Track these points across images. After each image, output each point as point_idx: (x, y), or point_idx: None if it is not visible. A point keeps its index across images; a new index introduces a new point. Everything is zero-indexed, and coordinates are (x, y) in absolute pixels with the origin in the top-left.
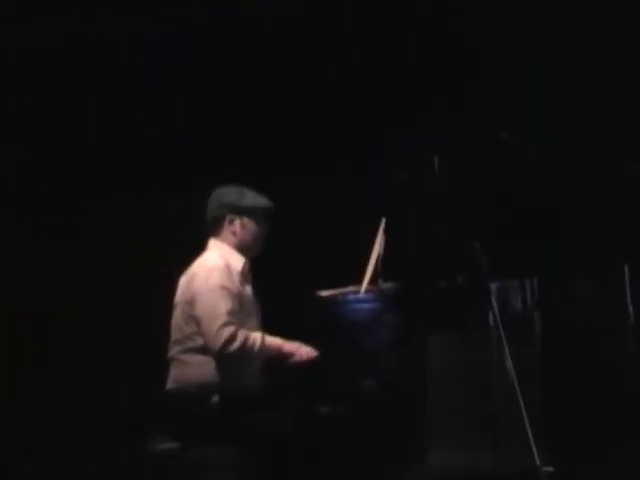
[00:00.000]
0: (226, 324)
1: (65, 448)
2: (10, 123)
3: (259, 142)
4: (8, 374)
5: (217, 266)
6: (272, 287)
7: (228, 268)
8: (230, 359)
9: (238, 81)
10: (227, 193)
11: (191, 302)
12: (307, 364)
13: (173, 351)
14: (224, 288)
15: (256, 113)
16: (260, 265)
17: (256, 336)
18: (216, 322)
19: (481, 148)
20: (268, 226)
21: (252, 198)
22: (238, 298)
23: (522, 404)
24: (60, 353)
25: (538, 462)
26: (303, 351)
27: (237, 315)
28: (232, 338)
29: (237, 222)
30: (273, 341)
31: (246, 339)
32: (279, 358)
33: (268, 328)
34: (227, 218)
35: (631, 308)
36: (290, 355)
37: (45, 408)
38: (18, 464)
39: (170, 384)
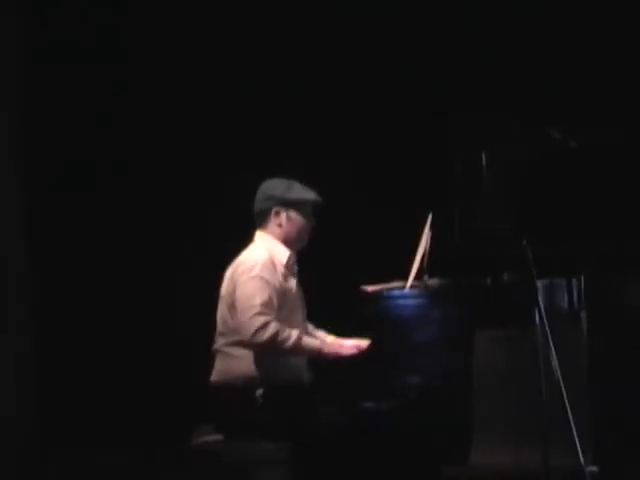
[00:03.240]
0: (259, 314)
1: (109, 442)
2: None
3: (305, 132)
4: (51, 369)
5: (260, 258)
6: (317, 281)
7: (272, 261)
8: (273, 352)
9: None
10: (275, 185)
11: (233, 293)
12: (354, 358)
13: (218, 343)
14: (263, 280)
15: (306, 101)
16: (305, 259)
17: (291, 332)
18: (250, 311)
19: (530, 144)
20: (314, 220)
21: (299, 191)
22: (281, 292)
23: (568, 404)
24: (104, 346)
25: (583, 462)
26: (349, 347)
27: (279, 307)
28: (263, 327)
29: (283, 215)
30: (312, 342)
31: (279, 332)
32: (321, 358)
33: (314, 322)
34: (273, 210)
35: None
36: (331, 356)
37: (88, 401)
38: (66, 461)
39: (215, 376)
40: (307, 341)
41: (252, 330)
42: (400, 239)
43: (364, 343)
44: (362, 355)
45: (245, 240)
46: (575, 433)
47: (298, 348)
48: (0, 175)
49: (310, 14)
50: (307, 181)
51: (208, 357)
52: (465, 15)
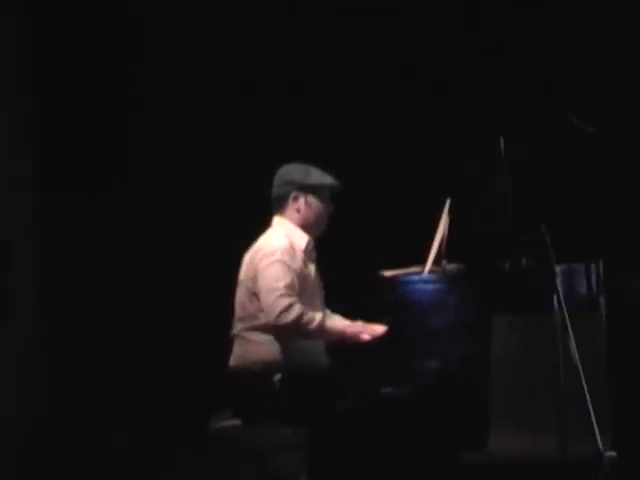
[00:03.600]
0: (283, 295)
1: (128, 428)
2: None
3: (322, 121)
4: (69, 356)
5: (280, 244)
6: (335, 266)
7: (291, 247)
8: (292, 336)
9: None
10: (292, 170)
11: (254, 278)
12: (371, 343)
13: (237, 328)
14: (285, 264)
15: (306, 101)
16: (323, 244)
17: (315, 314)
18: (274, 293)
19: (549, 130)
20: (333, 205)
21: (318, 176)
22: (300, 277)
23: (586, 389)
24: (122, 331)
25: (601, 447)
26: (368, 332)
27: (299, 293)
28: (288, 308)
29: (301, 200)
30: (335, 325)
31: (303, 313)
32: (342, 341)
33: (331, 308)
34: (291, 195)
35: None
36: (354, 338)
37: (107, 386)
38: (84, 447)
39: (233, 361)
40: (330, 324)
41: (277, 312)
42: (418, 224)
43: (382, 329)
44: (380, 340)
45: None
46: (593, 419)
47: (322, 330)
48: (0, 176)
49: (310, 14)
50: (324, 165)
51: (227, 342)
52: (465, 15)
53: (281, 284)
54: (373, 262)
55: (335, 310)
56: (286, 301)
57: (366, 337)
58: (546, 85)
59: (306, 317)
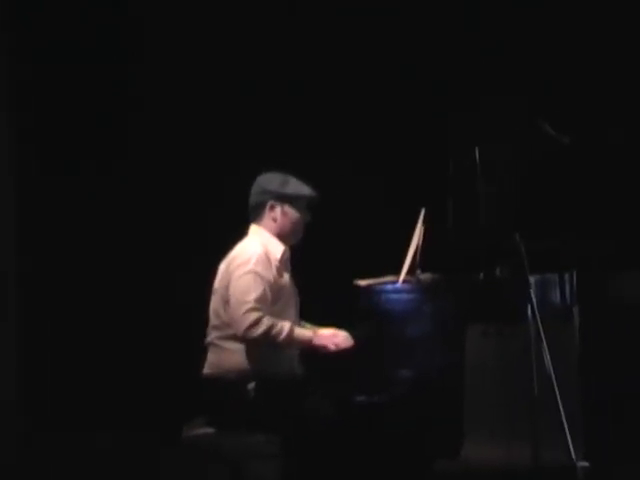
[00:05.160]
0: (252, 309)
1: (101, 432)
2: None
3: (299, 130)
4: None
5: (255, 252)
6: (310, 275)
7: (266, 256)
8: (266, 346)
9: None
10: (270, 179)
11: (227, 287)
12: (343, 353)
13: (211, 336)
14: (257, 275)
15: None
16: (299, 253)
17: (284, 325)
18: (243, 307)
19: (522, 139)
20: (309, 215)
21: (295, 186)
22: (274, 287)
23: (559, 399)
24: (95, 336)
25: (574, 457)
26: (336, 342)
27: (272, 302)
28: (256, 323)
29: (278, 209)
30: (304, 333)
31: (272, 326)
32: (312, 350)
33: (305, 317)
34: (268, 204)
35: None
36: (322, 348)
37: (78, 391)
38: (65, 448)
39: (207, 369)
40: (299, 333)
41: (245, 326)
42: (393, 234)
43: (348, 340)
44: (354, 349)
45: (243, 234)
46: (567, 428)
47: (291, 340)
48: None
49: (309, 14)
50: (303, 177)
51: (200, 350)
52: (465, 15)
53: (251, 297)
54: (348, 271)
55: (310, 319)
56: (254, 315)
57: (332, 348)
58: (521, 93)
59: (274, 330)
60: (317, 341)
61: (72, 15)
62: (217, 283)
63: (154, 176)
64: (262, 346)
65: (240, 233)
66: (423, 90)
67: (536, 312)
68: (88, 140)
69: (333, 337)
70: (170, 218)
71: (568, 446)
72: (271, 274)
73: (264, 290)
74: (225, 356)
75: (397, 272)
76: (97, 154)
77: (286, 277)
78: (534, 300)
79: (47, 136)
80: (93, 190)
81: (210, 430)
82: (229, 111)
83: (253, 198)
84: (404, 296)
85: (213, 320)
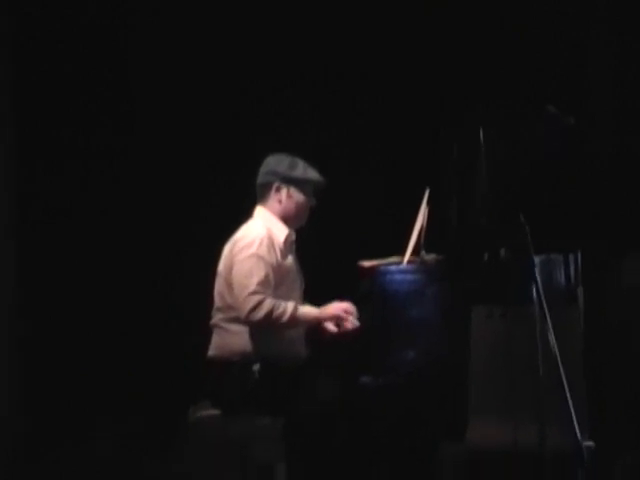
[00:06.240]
0: (254, 292)
1: (104, 414)
2: None
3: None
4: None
5: (259, 235)
6: (315, 257)
7: (270, 238)
8: (270, 328)
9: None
10: (279, 161)
11: (231, 270)
12: (349, 334)
13: (216, 318)
14: (260, 258)
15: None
16: (303, 234)
17: (287, 305)
18: (245, 290)
19: (527, 120)
20: (315, 200)
21: (303, 169)
22: (278, 269)
23: (565, 380)
24: (98, 317)
25: (580, 437)
26: (345, 308)
27: (276, 285)
28: (258, 306)
29: (284, 191)
30: (309, 311)
31: (274, 308)
32: (319, 326)
33: (310, 299)
34: (274, 186)
35: None
36: (331, 319)
37: (85, 374)
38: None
39: (212, 351)
40: (304, 311)
41: (247, 309)
42: (397, 214)
43: (351, 309)
44: (359, 330)
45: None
46: (572, 409)
47: (296, 320)
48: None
49: (310, 14)
50: (307, 159)
51: (205, 332)
52: (466, 15)
53: (253, 280)
54: (352, 252)
55: (315, 301)
56: (256, 298)
57: (343, 316)
58: (527, 77)
59: (277, 312)
60: (325, 314)
61: (72, 15)
62: (221, 265)
63: (153, 176)
64: (266, 328)
65: (245, 215)
66: (425, 78)
67: (541, 293)
68: (87, 139)
69: (341, 307)
70: (168, 216)
71: (573, 427)
72: (274, 257)
73: (267, 273)
74: (230, 338)
75: (402, 253)
76: (96, 153)
77: (290, 260)
78: (539, 281)
79: (45, 135)
80: (92, 188)
81: (215, 412)
82: (228, 111)
83: (260, 178)
84: (408, 277)
85: (217, 302)
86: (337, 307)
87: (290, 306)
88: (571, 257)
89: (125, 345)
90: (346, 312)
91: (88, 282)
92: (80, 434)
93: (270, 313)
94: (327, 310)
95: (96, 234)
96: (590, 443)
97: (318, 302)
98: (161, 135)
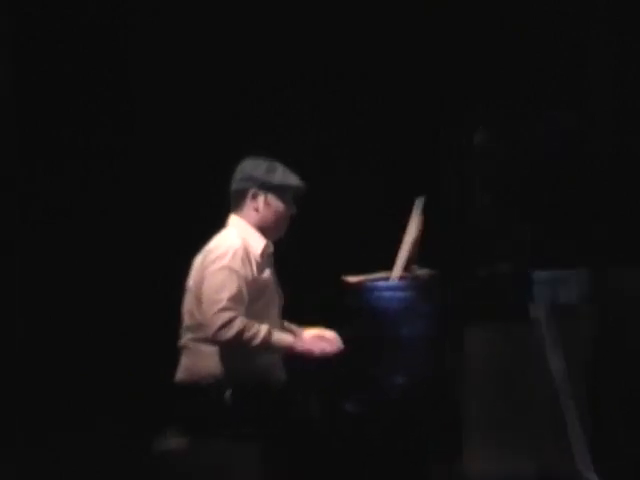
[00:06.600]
0: (224, 309)
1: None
2: None
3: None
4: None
5: (232, 246)
6: (294, 271)
7: (245, 250)
8: (244, 349)
9: None
10: (255, 165)
11: (201, 284)
12: (330, 357)
13: (184, 339)
14: (233, 271)
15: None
16: (283, 246)
17: (260, 328)
18: (214, 306)
19: (527, 120)
20: (295, 208)
21: (282, 174)
22: (254, 284)
23: (566, 404)
24: (98, 317)
25: (581, 468)
26: (322, 347)
27: (252, 301)
28: (227, 324)
29: (261, 198)
30: (284, 338)
31: (245, 328)
32: (293, 356)
33: (290, 316)
34: (250, 192)
35: None
36: (306, 353)
37: (84, 374)
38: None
39: (181, 374)
40: (278, 337)
41: (216, 327)
42: (389, 223)
43: (335, 342)
44: (342, 353)
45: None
46: (573, 436)
47: (268, 345)
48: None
49: (309, 13)
50: (292, 166)
51: (173, 353)
52: (465, 15)
53: (224, 295)
54: (336, 265)
55: (295, 319)
56: (226, 316)
57: (317, 353)
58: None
59: (248, 333)
60: (300, 346)
61: (72, 15)
62: (191, 280)
63: (152, 176)
64: (240, 349)
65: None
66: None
67: (542, 310)
68: (87, 139)
69: (318, 340)
70: (167, 216)
71: (574, 456)
72: (250, 270)
73: (239, 288)
74: (200, 360)
75: (389, 268)
76: (96, 154)
77: (268, 274)
78: (540, 298)
79: (44, 136)
80: (91, 188)
81: (184, 440)
82: (228, 106)
83: (234, 184)
84: (397, 294)
85: (187, 320)
86: (314, 341)
87: (263, 329)
88: (573, 273)
89: (125, 345)
90: (322, 350)
91: (88, 282)
92: (80, 434)
93: (241, 333)
94: (303, 341)
95: (96, 234)
96: (593, 475)
97: (299, 320)
98: (161, 135)
